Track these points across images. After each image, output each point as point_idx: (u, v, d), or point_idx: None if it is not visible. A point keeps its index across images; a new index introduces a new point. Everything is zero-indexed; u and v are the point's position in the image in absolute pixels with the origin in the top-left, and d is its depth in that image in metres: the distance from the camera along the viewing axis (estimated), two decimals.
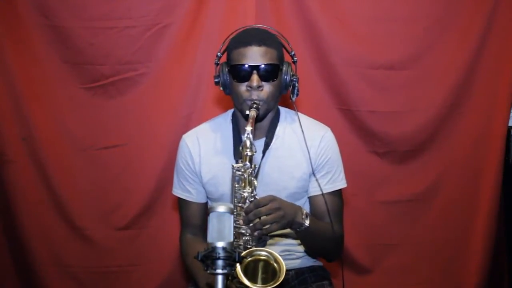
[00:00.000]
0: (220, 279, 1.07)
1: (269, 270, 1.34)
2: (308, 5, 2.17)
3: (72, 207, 2.22)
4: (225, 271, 1.07)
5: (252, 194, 1.42)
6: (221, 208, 1.12)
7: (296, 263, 1.71)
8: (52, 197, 2.21)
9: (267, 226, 1.37)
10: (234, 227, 1.42)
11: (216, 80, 1.63)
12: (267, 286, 1.28)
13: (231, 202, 1.48)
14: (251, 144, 1.42)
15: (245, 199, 1.42)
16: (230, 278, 1.37)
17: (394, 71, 2.24)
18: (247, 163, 1.41)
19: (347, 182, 1.70)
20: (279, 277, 1.29)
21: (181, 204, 1.76)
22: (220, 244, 1.07)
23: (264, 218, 1.37)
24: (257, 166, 1.56)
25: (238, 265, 1.25)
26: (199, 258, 1.08)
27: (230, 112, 1.74)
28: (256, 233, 1.37)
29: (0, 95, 2.15)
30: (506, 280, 2.38)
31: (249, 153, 1.42)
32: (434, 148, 2.30)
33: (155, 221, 2.26)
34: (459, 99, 2.27)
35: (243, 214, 1.39)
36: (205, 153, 1.68)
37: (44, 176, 2.20)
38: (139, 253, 2.26)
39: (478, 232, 2.29)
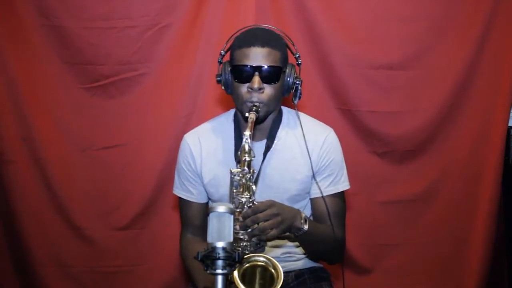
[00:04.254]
0: (220, 279, 1.07)
1: (267, 276, 1.32)
2: (308, 6, 2.17)
3: (72, 207, 2.22)
4: (225, 271, 1.06)
5: (251, 200, 1.39)
6: (221, 208, 1.12)
7: (296, 265, 1.70)
8: (52, 197, 2.21)
9: (265, 232, 1.34)
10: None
11: (218, 78, 1.61)
12: None
13: None
14: (250, 149, 1.39)
15: (243, 204, 1.39)
16: (227, 283, 1.33)
17: (394, 71, 2.24)
18: (246, 168, 1.38)
19: (350, 184, 1.69)
20: (276, 283, 1.27)
21: (181, 204, 1.74)
22: (220, 244, 1.07)
23: (262, 224, 1.34)
24: (256, 170, 1.54)
25: (235, 271, 1.25)
26: (199, 258, 1.07)
27: (232, 111, 1.72)
28: (254, 239, 1.35)
29: (0, 95, 2.15)
30: (506, 280, 2.37)
31: (248, 159, 1.38)
32: (434, 148, 2.30)
33: (155, 221, 2.26)
34: (459, 99, 2.26)
35: (241, 219, 1.35)
36: (206, 153, 1.66)
37: (44, 176, 2.20)
38: (139, 253, 2.26)
39: (478, 232, 2.28)
